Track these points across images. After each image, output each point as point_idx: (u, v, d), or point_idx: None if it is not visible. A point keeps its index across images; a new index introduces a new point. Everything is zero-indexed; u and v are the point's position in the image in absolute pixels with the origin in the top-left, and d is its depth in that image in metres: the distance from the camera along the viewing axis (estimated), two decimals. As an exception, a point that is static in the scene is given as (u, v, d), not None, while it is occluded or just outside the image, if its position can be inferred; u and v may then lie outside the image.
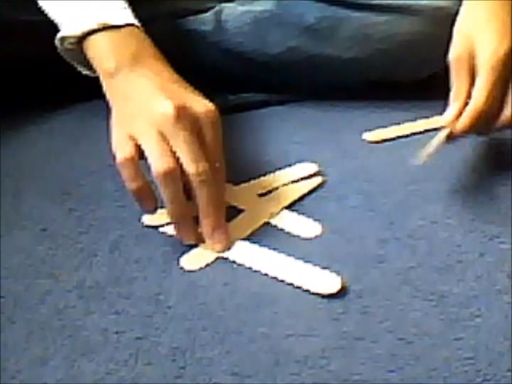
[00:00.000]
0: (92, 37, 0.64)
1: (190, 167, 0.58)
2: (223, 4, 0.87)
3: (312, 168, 0.70)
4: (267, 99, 0.85)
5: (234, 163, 0.73)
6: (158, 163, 0.58)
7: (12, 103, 0.81)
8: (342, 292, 0.55)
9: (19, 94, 0.83)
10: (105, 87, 0.64)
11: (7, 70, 0.80)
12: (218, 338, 0.51)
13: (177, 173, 0.58)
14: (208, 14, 0.86)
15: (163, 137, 0.59)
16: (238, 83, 0.85)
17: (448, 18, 0.73)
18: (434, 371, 0.48)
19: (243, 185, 0.69)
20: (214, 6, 0.87)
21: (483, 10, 0.68)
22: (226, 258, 0.59)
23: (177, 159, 0.58)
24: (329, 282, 0.56)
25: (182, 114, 0.59)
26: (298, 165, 0.71)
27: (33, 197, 0.69)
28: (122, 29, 0.65)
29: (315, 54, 0.69)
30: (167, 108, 0.59)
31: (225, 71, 0.85)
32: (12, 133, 0.80)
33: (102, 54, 0.64)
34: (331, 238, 0.61)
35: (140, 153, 0.59)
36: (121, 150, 0.59)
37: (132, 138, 0.60)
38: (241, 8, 0.86)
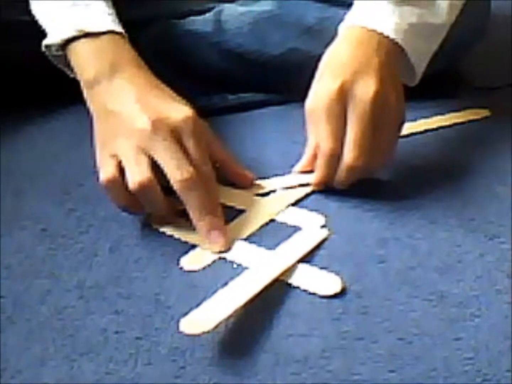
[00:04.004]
0: (73, 45, 0.65)
1: (173, 174, 0.59)
2: (223, 5, 0.87)
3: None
4: (267, 99, 0.85)
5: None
6: (132, 176, 0.59)
7: (12, 103, 0.81)
8: (342, 292, 0.55)
9: (19, 94, 0.83)
10: (86, 96, 0.65)
11: (7, 70, 0.80)
12: (218, 338, 0.51)
13: (152, 183, 0.59)
14: (208, 14, 0.86)
15: (144, 152, 0.59)
16: (238, 83, 0.85)
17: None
18: (434, 371, 0.48)
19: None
20: (214, 7, 0.87)
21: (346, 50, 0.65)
22: (226, 258, 0.59)
23: (161, 171, 0.59)
24: (329, 284, 0.56)
25: (160, 126, 0.59)
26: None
27: (33, 197, 0.69)
28: (102, 37, 0.65)
29: (316, 55, 0.69)
30: (144, 123, 0.59)
31: (225, 71, 0.85)
32: (12, 133, 0.80)
33: (82, 63, 0.65)
34: (331, 238, 0.61)
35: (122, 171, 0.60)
36: (103, 170, 0.60)
37: (114, 157, 0.60)
38: (241, 9, 0.85)
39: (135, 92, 0.62)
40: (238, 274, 0.56)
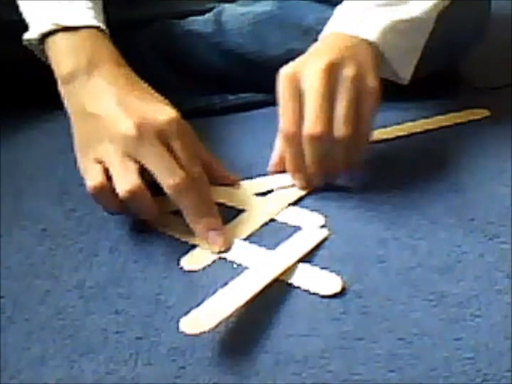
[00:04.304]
0: (51, 39, 0.64)
1: (165, 180, 0.58)
2: (223, 5, 0.87)
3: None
4: (267, 99, 0.85)
5: (234, 163, 0.73)
6: (121, 184, 0.58)
7: (12, 103, 0.81)
8: (342, 292, 0.55)
9: (19, 94, 0.83)
10: (63, 94, 0.63)
11: (7, 70, 0.80)
12: (218, 338, 0.51)
13: (142, 191, 0.58)
14: (208, 15, 0.86)
15: (131, 158, 0.58)
16: (238, 84, 0.85)
17: (442, 19, 0.73)
18: (434, 371, 0.48)
19: (242, 183, 0.69)
20: (214, 7, 0.87)
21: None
22: (226, 258, 0.59)
23: (151, 176, 0.58)
24: (329, 284, 0.56)
25: (145, 131, 0.58)
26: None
27: (33, 197, 0.69)
28: (80, 31, 0.63)
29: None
30: (129, 128, 0.58)
31: (225, 71, 0.85)
32: (12, 133, 0.80)
33: (58, 57, 0.63)
34: (331, 238, 0.61)
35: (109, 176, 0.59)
36: (90, 177, 0.59)
37: (99, 162, 0.59)
38: (241, 10, 0.85)
39: (115, 93, 0.61)
40: (238, 274, 0.56)
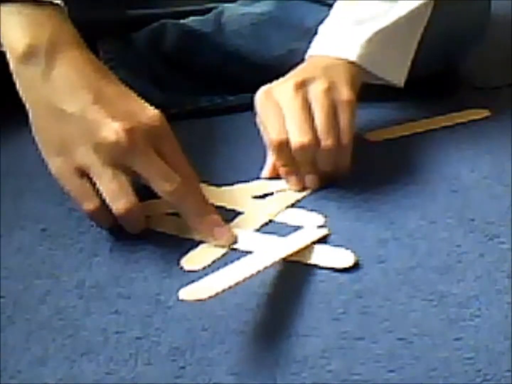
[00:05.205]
0: (3, 8, 0.57)
1: (163, 188, 0.57)
2: (224, 5, 0.87)
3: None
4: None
5: (234, 164, 0.73)
6: (117, 204, 0.56)
7: (12, 103, 0.81)
8: (342, 292, 0.55)
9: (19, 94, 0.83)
10: (16, 74, 0.58)
11: (7, 70, 0.80)
12: (218, 338, 0.51)
13: (138, 207, 0.57)
14: (208, 15, 0.86)
15: (122, 168, 0.56)
16: (238, 84, 0.85)
17: (442, 19, 0.73)
18: (434, 371, 0.48)
19: (241, 186, 0.69)
20: (214, 7, 0.87)
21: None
22: (227, 254, 0.59)
23: (146, 183, 0.57)
24: (343, 257, 0.57)
25: (135, 137, 0.55)
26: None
27: (33, 197, 0.69)
28: (41, 7, 0.57)
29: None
30: (118, 134, 0.55)
31: (225, 72, 0.85)
32: (12, 133, 0.80)
33: (14, 29, 0.57)
34: (331, 238, 0.61)
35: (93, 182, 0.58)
36: (85, 200, 0.58)
37: (81, 171, 0.57)
38: (242, 10, 0.86)
39: (89, 87, 0.56)
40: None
